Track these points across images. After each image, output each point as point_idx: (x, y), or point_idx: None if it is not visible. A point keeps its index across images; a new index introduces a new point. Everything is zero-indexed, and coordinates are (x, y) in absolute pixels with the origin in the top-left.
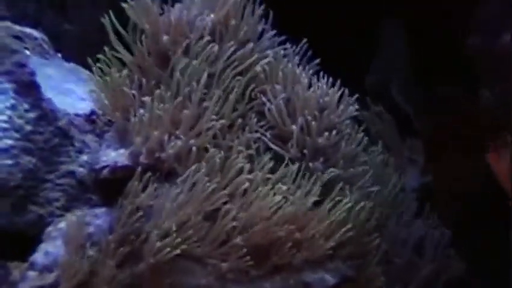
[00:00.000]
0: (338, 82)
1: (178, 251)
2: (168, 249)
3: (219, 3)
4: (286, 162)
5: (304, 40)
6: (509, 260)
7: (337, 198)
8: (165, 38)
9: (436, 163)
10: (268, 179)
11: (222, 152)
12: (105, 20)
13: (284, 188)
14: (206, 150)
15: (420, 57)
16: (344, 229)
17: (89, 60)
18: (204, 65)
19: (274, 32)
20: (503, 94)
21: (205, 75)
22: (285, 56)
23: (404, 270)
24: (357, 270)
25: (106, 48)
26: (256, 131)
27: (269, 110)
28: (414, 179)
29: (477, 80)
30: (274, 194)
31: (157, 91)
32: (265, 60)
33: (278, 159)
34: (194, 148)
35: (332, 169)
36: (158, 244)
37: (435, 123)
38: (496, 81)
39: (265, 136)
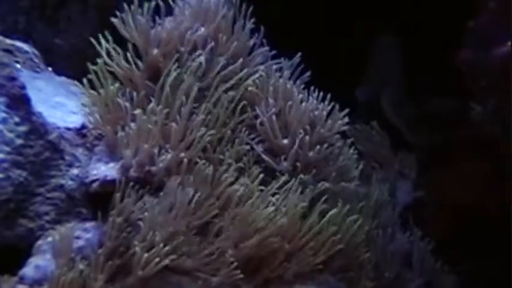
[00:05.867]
0: (328, 96)
1: (166, 262)
2: (156, 260)
3: (210, 17)
4: (276, 175)
5: (296, 54)
6: (503, 272)
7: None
8: (155, 51)
9: (428, 177)
10: (259, 191)
11: (212, 166)
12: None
13: (273, 199)
14: (196, 164)
15: (412, 71)
16: (332, 241)
17: (80, 74)
18: (194, 78)
19: (265, 46)
20: (497, 109)
21: (195, 88)
22: (276, 70)
23: (394, 283)
24: (348, 284)
25: (96, 62)
26: (247, 144)
27: (260, 123)
28: (406, 193)
29: (468, 94)
30: (266, 206)
31: (149, 105)
32: (257, 75)
33: (268, 172)
34: (185, 161)
35: (322, 182)
36: (146, 256)
37: (427, 137)
38: (489, 95)
39: (257, 149)
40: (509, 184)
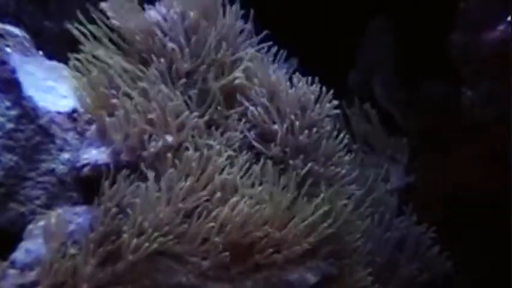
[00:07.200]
0: (317, 80)
1: (155, 245)
2: (146, 245)
3: (198, 1)
4: (265, 160)
5: (287, 39)
6: (494, 258)
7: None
8: (142, 37)
9: (420, 162)
10: (248, 177)
11: (205, 151)
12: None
13: (260, 188)
14: (187, 149)
15: (405, 56)
16: (323, 226)
17: (71, 58)
18: (182, 63)
19: (254, 29)
20: (488, 92)
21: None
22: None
23: (386, 269)
24: (340, 269)
25: (86, 46)
26: (239, 131)
27: (251, 109)
28: (398, 178)
29: (459, 78)
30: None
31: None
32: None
33: (260, 158)
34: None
35: (310, 164)
36: (135, 241)
37: (419, 122)
38: (479, 79)
39: (248, 135)
40: (505, 167)
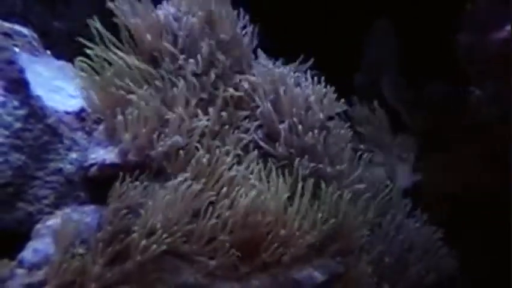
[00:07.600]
0: (323, 79)
1: (163, 247)
2: (154, 246)
3: (206, 1)
4: (270, 159)
5: (292, 42)
6: (494, 258)
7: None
8: (152, 36)
9: (427, 161)
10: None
11: (211, 152)
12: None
13: (261, 186)
14: (196, 149)
15: (411, 56)
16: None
17: (79, 58)
18: (190, 64)
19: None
20: (497, 93)
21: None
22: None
23: (395, 268)
24: (347, 268)
25: (93, 46)
26: (247, 131)
27: (259, 109)
28: (405, 177)
29: (465, 78)
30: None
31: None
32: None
33: (267, 157)
34: (184, 147)
35: (313, 164)
36: (144, 242)
37: (427, 122)
38: (486, 79)
39: (256, 135)
40: (505, 167)
